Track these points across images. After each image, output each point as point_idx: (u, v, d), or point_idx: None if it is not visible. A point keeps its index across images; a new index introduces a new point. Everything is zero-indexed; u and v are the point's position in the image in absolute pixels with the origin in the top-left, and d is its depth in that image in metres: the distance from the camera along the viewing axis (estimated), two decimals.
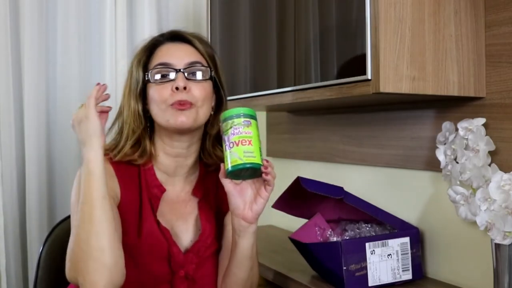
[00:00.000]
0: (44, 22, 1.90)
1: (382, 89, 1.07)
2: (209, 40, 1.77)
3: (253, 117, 1.07)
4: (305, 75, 1.31)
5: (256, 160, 1.04)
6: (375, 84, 1.07)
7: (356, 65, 1.13)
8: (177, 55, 1.16)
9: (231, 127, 1.05)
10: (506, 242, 1.03)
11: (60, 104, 1.92)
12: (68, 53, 1.92)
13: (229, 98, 1.62)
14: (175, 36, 1.21)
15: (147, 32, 1.96)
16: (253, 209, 1.09)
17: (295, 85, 1.34)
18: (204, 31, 2.06)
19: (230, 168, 1.04)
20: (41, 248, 1.38)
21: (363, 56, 1.10)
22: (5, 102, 1.81)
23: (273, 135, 2.04)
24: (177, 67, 1.14)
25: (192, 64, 1.16)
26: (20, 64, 1.86)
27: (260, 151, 1.06)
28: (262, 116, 2.10)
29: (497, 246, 1.05)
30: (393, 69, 1.08)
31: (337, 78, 1.19)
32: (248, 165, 1.03)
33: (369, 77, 1.09)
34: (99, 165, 1.03)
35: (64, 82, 1.92)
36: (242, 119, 1.05)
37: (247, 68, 1.57)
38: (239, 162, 1.03)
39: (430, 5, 1.13)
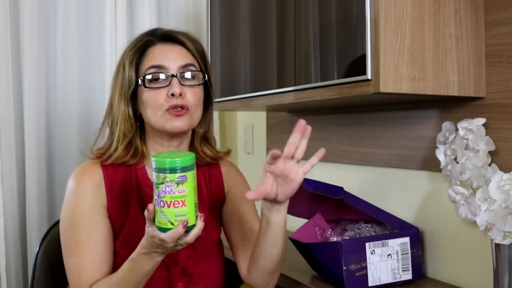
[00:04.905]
0: (44, 22, 1.90)
1: (382, 89, 1.07)
2: (209, 40, 1.77)
3: (190, 167, 0.96)
4: (305, 75, 1.31)
5: (189, 222, 0.96)
6: (375, 84, 1.07)
7: (356, 65, 1.13)
8: (170, 58, 1.16)
9: (162, 183, 0.94)
10: (506, 242, 1.03)
11: (60, 104, 1.92)
12: (68, 53, 1.92)
13: (229, 98, 1.64)
14: (166, 37, 1.20)
15: None
16: (286, 193, 1.07)
17: (295, 85, 1.34)
18: (204, 31, 2.06)
19: (158, 227, 0.97)
20: (38, 248, 1.37)
21: (363, 56, 1.10)
22: (5, 102, 1.81)
23: (273, 135, 2.04)
24: (171, 71, 1.14)
25: (186, 66, 1.16)
26: (20, 64, 1.86)
27: (195, 207, 0.98)
28: (262, 116, 2.10)
29: (497, 246, 1.05)
30: (393, 69, 1.08)
31: (337, 78, 1.19)
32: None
33: (369, 77, 1.09)
34: (153, 267, 1.05)
35: (64, 82, 1.92)
36: (176, 175, 0.94)
37: (247, 68, 1.57)
38: (170, 226, 0.95)
39: (430, 5, 1.13)
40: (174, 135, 1.17)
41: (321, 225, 1.43)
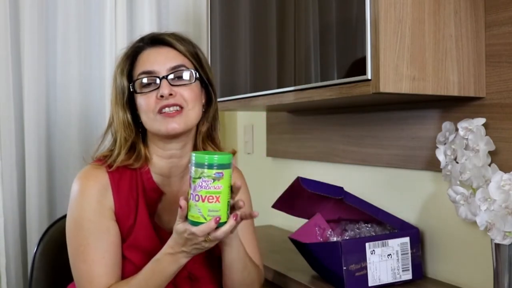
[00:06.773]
0: (44, 22, 1.90)
1: (382, 89, 1.07)
2: (209, 40, 1.77)
3: (227, 166, 0.99)
4: (305, 75, 1.31)
5: (221, 219, 0.99)
6: (375, 84, 1.07)
7: (356, 65, 1.13)
8: (159, 61, 1.15)
9: (199, 177, 0.98)
10: (506, 242, 1.03)
11: (60, 104, 1.92)
12: (68, 53, 1.92)
13: (229, 98, 1.64)
14: (155, 40, 1.20)
15: (147, 32, 1.96)
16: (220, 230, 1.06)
17: (295, 85, 1.34)
18: (204, 31, 2.06)
19: (190, 221, 0.99)
20: (36, 249, 1.36)
21: (363, 56, 1.10)
22: (5, 102, 1.81)
23: (273, 135, 2.04)
24: (160, 74, 1.13)
25: (175, 68, 1.15)
26: (20, 64, 1.86)
27: (228, 205, 1.01)
28: (262, 116, 2.10)
29: (497, 246, 1.05)
30: (393, 69, 1.08)
31: (337, 78, 1.19)
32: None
33: (369, 77, 1.09)
34: (175, 271, 1.07)
35: (64, 82, 1.92)
36: (213, 171, 0.97)
37: (247, 68, 1.57)
38: (202, 220, 0.98)
39: (430, 5, 1.13)
40: (172, 137, 1.15)
41: (321, 225, 1.43)
